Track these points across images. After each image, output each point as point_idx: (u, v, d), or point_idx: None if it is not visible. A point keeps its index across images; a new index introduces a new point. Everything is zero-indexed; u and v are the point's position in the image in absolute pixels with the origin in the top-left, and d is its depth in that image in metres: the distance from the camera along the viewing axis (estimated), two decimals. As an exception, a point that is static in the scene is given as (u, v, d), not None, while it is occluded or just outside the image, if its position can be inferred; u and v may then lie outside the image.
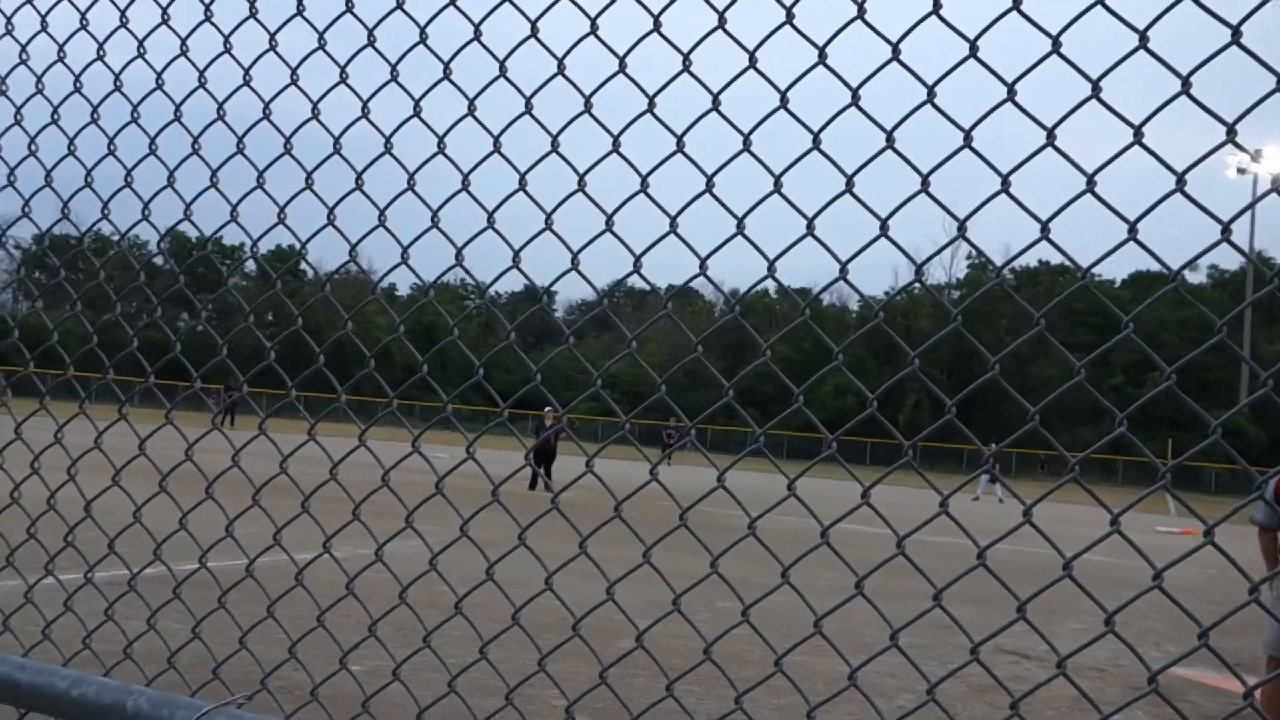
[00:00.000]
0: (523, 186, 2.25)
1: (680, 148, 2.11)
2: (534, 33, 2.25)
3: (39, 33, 2.89)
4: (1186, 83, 1.65)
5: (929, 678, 1.93)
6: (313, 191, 2.49)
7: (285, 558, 2.50)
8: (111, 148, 2.76)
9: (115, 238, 2.84)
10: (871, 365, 63.31)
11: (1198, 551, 1.66)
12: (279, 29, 2.55)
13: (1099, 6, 1.75)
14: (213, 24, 2.62)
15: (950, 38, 1.87)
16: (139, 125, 2.73)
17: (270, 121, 2.56)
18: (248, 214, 2.62)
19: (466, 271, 2.36)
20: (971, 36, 1.85)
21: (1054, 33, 1.77)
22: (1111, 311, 1.82)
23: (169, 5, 2.71)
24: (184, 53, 2.67)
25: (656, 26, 2.13)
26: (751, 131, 2.04)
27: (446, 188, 2.36)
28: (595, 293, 2.39)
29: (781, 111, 2.03)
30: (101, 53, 2.79)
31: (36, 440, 2.84)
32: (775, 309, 73.53)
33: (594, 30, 2.20)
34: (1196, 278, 73.06)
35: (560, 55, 2.22)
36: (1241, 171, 54.70)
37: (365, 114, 2.42)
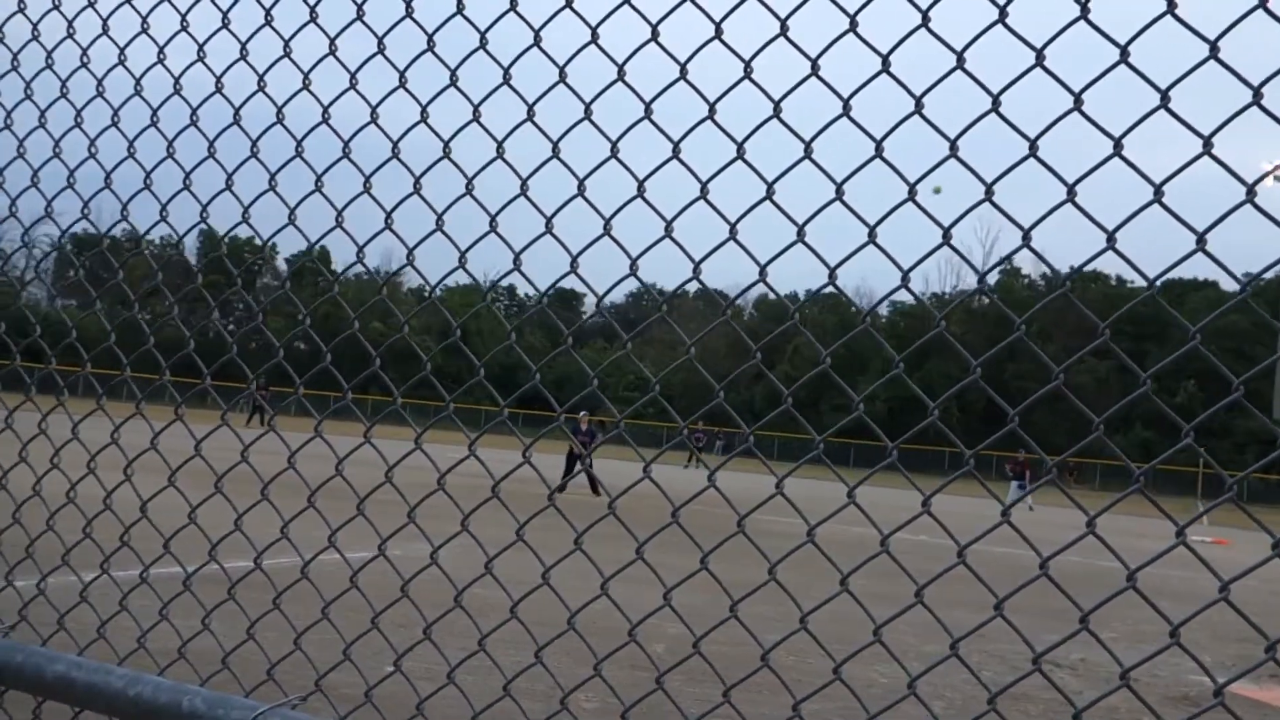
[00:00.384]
0: (524, 191, 2.31)
1: (676, 154, 2.17)
2: (537, 41, 2.31)
3: (65, 39, 2.98)
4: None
5: (913, 680, 1.96)
6: (322, 195, 2.56)
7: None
8: (131, 150, 2.84)
9: (155, 237, 2.91)
10: (903, 369, 62.70)
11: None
12: (293, 35, 2.63)
13: (1082, 20, 1.79)
14: (230, 31, 2.70)
15: (938, 49, 1.91)
16: (158, 129, 2.82)
17: (283, 126, 2.63)
18: (256, 214, 2.68)
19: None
20: (959, 48, 1.89)
21: (1038, 45, 1.81)
22: (1088, 315, 1.86)
23: (187, 12, 2.78)
24: (201, 59, 2.75)
25: (654, 36, 2.18)
26: (745, 139, 2.09)
27: (451, 189, 2.42)
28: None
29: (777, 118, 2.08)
30: (122, 58, 2.88)
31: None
32: (805, 313, 73.38)
33: (595, 39, 2.25)
34: (1228, 284, 72.09)
35: (562, 64, 2.28)
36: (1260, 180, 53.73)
37: (374, 119, 2.49)
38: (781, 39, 2.05)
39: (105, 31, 2.95)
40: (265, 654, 2.60)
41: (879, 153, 1.96)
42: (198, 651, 2.76)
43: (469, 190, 2.38)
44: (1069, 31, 1.83)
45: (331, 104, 2.58)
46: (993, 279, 77.43)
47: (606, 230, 2.21)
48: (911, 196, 1.92)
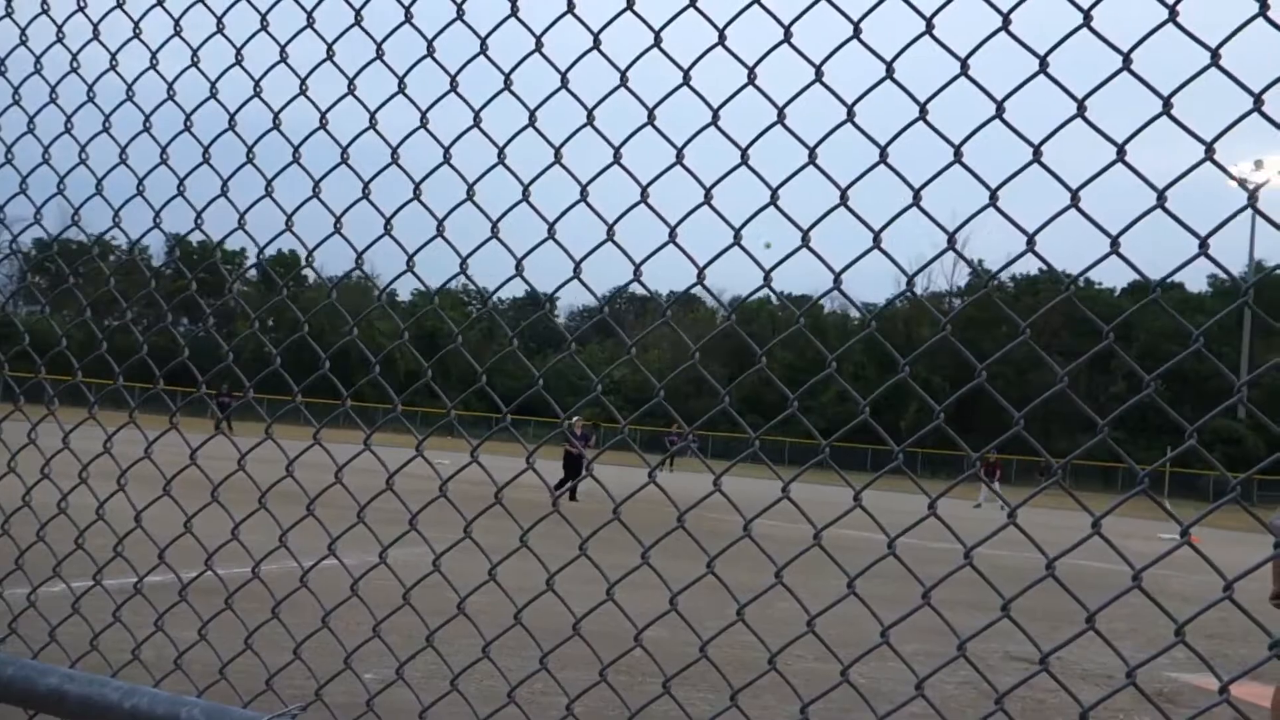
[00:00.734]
0: (526, 198, 2.31)
1: (680, 159, 2.17)
2: (539, 47, 2.31)
3: (54, 43, 2.95)
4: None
5: (921, 681, 1.98)
6: (320, 200, 2.55)
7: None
8: (123, 156, 2.82)
9: (119, 243, 2.89)
10: (872, 373, 63.34)
11: (1192, 556, 1.72)
12: (289, 41, 2.62)
13: (1085, 28, 1.81)
14: (224, 36, 2.68)
15: (942, 56, 1.93)
16: (150, 135, 2.79)
17: (280, 131, 2.62)
18: (253, 220, 2.67)
19: (469, 279, 2.42)
20: (963, 55, 1.91)
21: (1041, 52, 1.83)
22: (1094, 319, 1.88)
23: (181, 17, 2.77)
24: (195, 63, 2.73)
25: (657, 42, 2.19)
26: (750, 145, 2.10)
27: (450, 195, 2.42)
28: (596, 300, 2.45)
29: (779, 125, 2.09)
30: (114, 62, 2.85)
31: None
32: (777, 316, 73.63)
33: (597, 45, 2.26)
34: (1198, 286, 73.10)
35: (564, 69, 2.28)
36: (1244, 183, 54.60)
37: (373, 124, 2.49)
38: (785, 45, 2.06)
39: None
40: (264, 663, 2.58)
41: (884, 158, 1.97)
42: (195, 662, 2.73)
43: (470, 197, 2.38)
44: (1067, 37, 1.86)
45: (328, 110, 2.57)
46: (962, 281, 78.07)
47: (610, 236, 2.22)
48: (916, 202, 1.94)
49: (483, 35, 2.37)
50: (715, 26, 2.13)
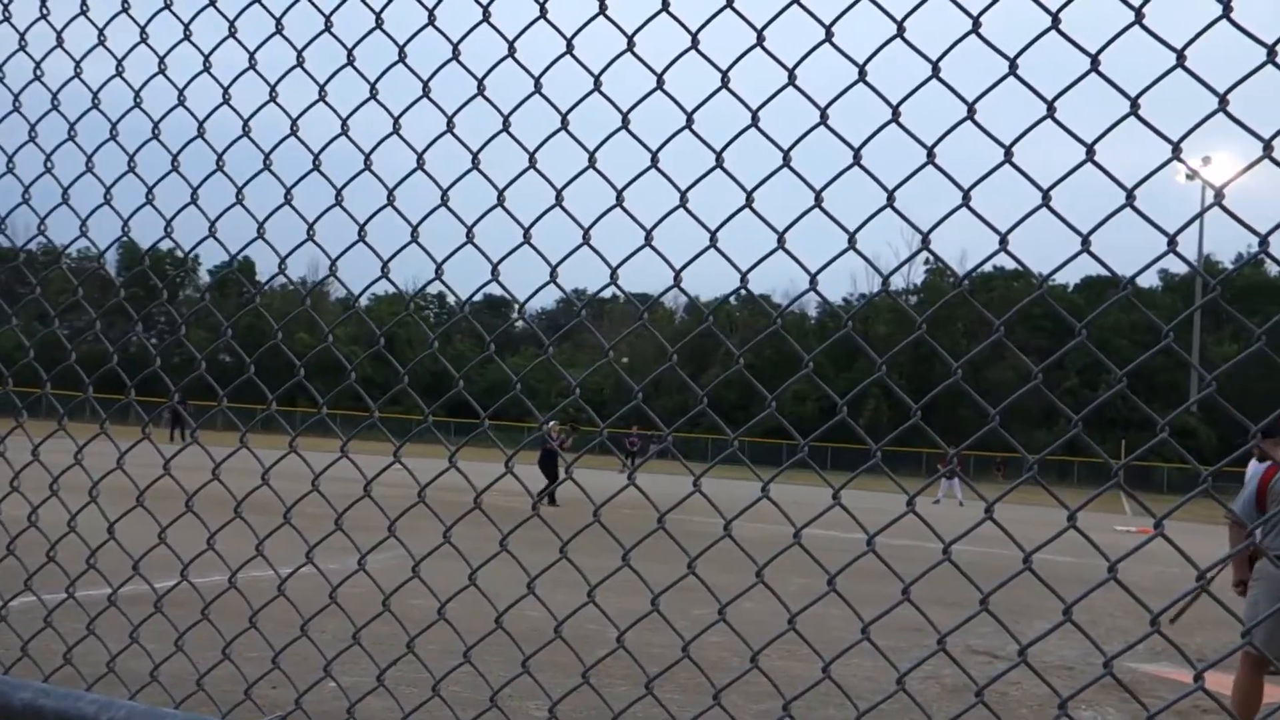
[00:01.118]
0: (501, 202, 2.31)
1: (655, 163, 2.19)
2: (511, 53, 2.32)
3: (16, 52, 2.91)
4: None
5: (902, 676, 2.00)
6: (292, 207, 2.54)
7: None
8: (90, 165, 2.79)
9: (73, 252, 2.87)
10: (830, 371, 63.71)
11: (1146, 547, 1.75)
12: (258, 48, 2.60)
13: (1054, 30, 1.85)
14: (192, 43, 2.66)
15: (914, 59, 1.96)
16: (117, 143, 2.77)
17: (250, 139, 2.61)
18: (201, 228, 2.66)
19: (446, 286, 2.42)
20: (934, 58, 1.94)
21: (1011, 55, 1.87)
22: (1065, 316, 1.91)
23: (147, 24, 2.75)
24: (162, 70, 2.71)
25: (630, 47, 2.20)
26: (724, 149, 2.12)
27: (423, 201, 2.42)
28: (573, 303, 2.46)
29: (753, 128, 2.12)
30: (78, 70, 2.82)
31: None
32: (735, 316, 73.85)
33: (570, 50, 2.27)
34: (1149, 282, 74.26)
35: (537, 75, 2.29)
36: (1190, 178, 55.55)
37: (345, 131, 2.48)
38: (759, 49, 2.08)
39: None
40: (242, 673, 2.56)
41: (857, 160, 2.00)
42: (172, 674, 2.70)
43: (444, 203, 2.38)
44: (1033, 38, 1.89)
45: (299, 117, 2.56)
46: (919, 278, 78.75)
47: (585, 240, 2.23)
48: (891, 204, 1.96)
49: (455, 40, 2.37)
50: (689, 31, 2.14)
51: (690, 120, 2.14)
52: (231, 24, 2.62)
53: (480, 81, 2.34)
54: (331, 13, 2.51)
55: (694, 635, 2.20)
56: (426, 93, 2.39)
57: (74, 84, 2.84)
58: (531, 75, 2.29)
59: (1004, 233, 1.88)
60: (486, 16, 2.35)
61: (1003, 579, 1.94)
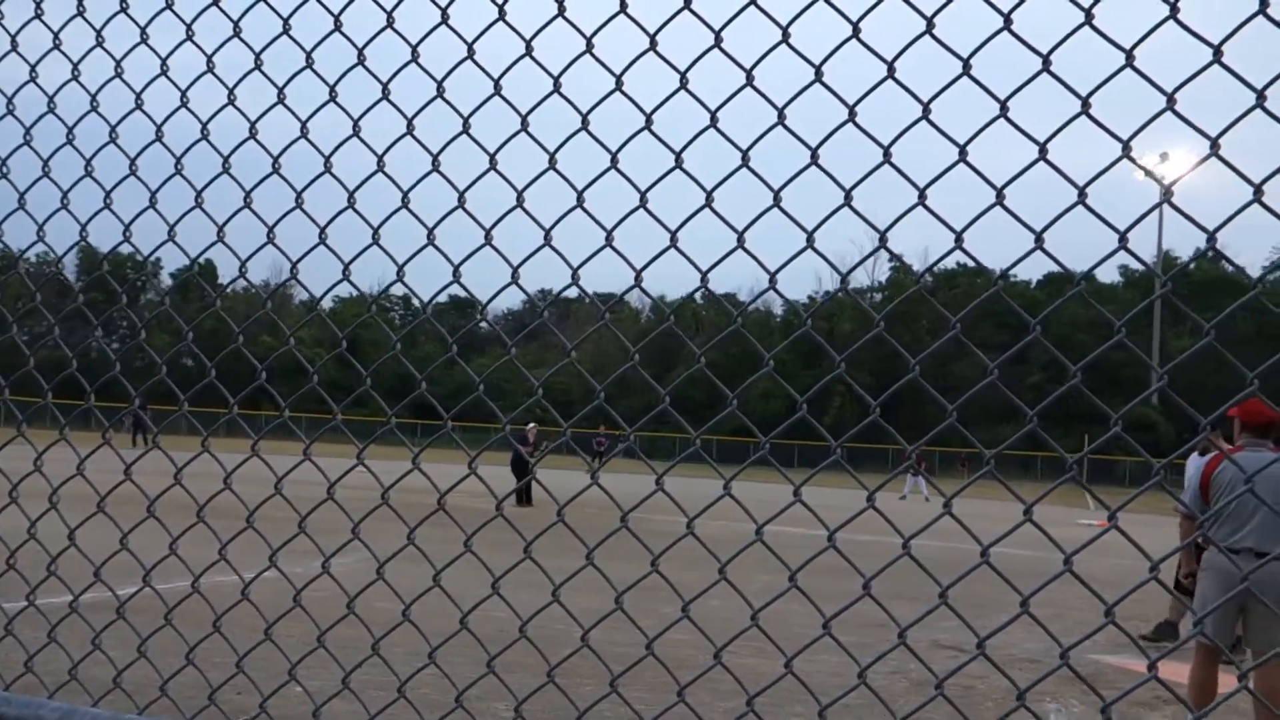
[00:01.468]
0: (462, 204, 2.32)
1: (614, 164, 2.20)
2: (470, 55, 2.32)
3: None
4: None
5: (866, 672, 2.02)
6: (252, 210, 2.53)
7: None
8: (46, 169, 2.77)
9: (32, 255, 2.84)
10: (796, 369, 63.97)
11: (1106, 540, 1.78)
12: (216, 50, 2.59)
13: (1005, 31, 1.88)
14: (149, 46, 2.65)
15: (870, 60, 1.98)
16: (74, 147, 2.75)
17: (209, 142, 2.60)
18: (162, 231, 2.64)
19: (408, 287, 2.42)
20: (889, 59, 1.96)
21: (964, 55, 1.90)
22: (1020, 313, 1.94)
23: (102, 28, 2.73)
24: (119, 74, 2.69)
25: (589, 48, 2.22)
26: (683, 150, 2.14)
27: (385, 204, 2.42)
28: (535, 304, 2.46)
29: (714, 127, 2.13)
30: (34, 74, 2.80)
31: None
32: (700, 315, 74.02)
33: (529, 52, 2.28)
34: (1110, 277, 75.07)
35: (497, 76, 2.29)
36: (1148, 174, 56.16)
37: (304, 134, 2.47)
38: (716, 50, 2.10)
39: (15, 49, 2.87)
40: (206, 679, 2.55)
41: (814, 160, 2.02)
42: (136, 681, 2.69)
43: (405, 204, 2.38)
44: (986, 38, 1.92)
45: (258, 119, 2.55)
46: (882, 276, 79.26)
47: (547, 241, 2.24)
48: (848, 202, 1.99)
49: (413, 43, 2.37)
50: (646, 33, 2.16)
51: (649, 121, 2.16)
52: (189, 27, 2.61)
53: (440, 84, 2.35)
54: (289, 15, 2.51)
55: (657, 634, 2.21)
56: (386, 95, 2.39)
57: (30, 88, 2.81)
58: (491, 77, 2.29)
59: (959, 231, 1.91)
60: (445, 18, 2.35)
61: (966, 571, 1.97)
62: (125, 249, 2.81)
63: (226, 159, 2.57)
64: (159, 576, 2.63)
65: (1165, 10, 1.75)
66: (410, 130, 2.38)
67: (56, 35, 2.77)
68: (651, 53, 2.16)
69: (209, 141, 2.61)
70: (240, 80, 2.53)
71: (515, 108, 2.28)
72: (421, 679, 2.58)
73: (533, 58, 2.28)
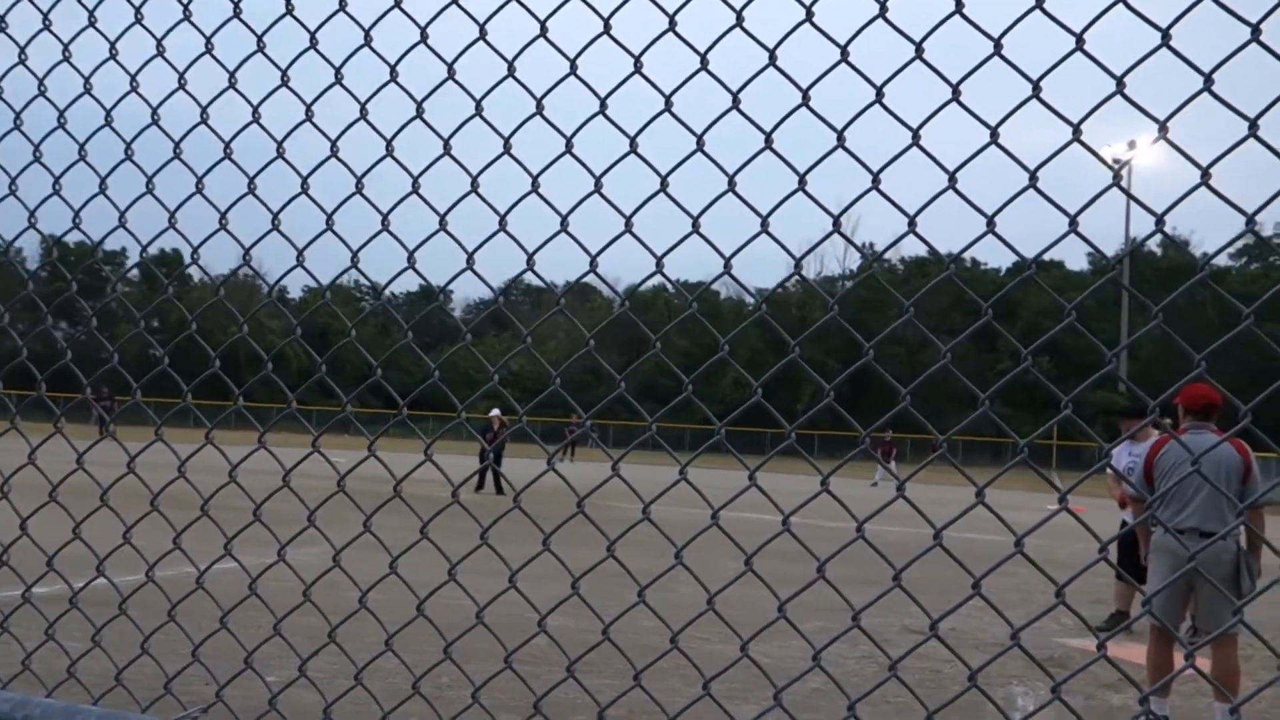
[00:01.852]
0: (416, 189, 2.30)
1: (569, 148, 2.19)
2: (424, 38, 2.30)
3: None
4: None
5: (818, 653, 2.03)
6: (204, 197, 2.50)
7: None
8: (37, 154, 2.72)
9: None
10: (769, 358, 64.14)
11: (1051, 520, 1.79)
12: (165, 34, 2.56)
13: (957, 14, 1.88)
14: (97, 29, 2.61)
15: (824, 45, 1.98)
16: (22, 132, 2.71)
17: (159, 127, 2.56)
18: (133, 219, 2.61)
19: (362, 274, 2.40)
20: (842, 43, 1.96)
21: (917, 39, 1.89)
22: (975, 298, 1.95)
23: (50, 10, 2.68)
24: (67, 58, 2.65)
25: (543, 32, 2.20)
26: (638, 134, 2.13)
27: (339, 190, 2.40)
28: (491, 291, 2.45)
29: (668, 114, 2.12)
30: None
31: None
32: (673, 304, 74.08)
33: (483, 35, 2.26)
34: (1079, 265, 75.68)
35: (450, 60, 2.27)
36: (1117, 161, 56.70)
37: (256, 118, 2.45)
38: (670, 34, 2.09)
39: None
40: (162, 668, 2.53)
41: (769, 144, 2.02)
42: (90, 671, 2.66)
43: (359, 190, 2.36)
44: (941, 23, 1.92)
45: (209, 104, 2.52)
46: (854, 264, 79.66)
47: (502, 227, 2.22)
48: (802, 187, 1.99)
49: (366, 26, 2.35)
50: (601, 17, 2.14)
51: (604, 106, 2.15)
52: (138, 10, 2.57)
53: (393, 68, 2.33)
54: (241, -2, 2.48)
55: (613, 619, 2.21)
56: (339, 79, 2.37)
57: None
58: (445, 61, 2.27)
59: (912, 215, 1.91)
60: (398, 2, 2.33)
61: (930, 560, 1.97)
62: (96, 237, 2.77)
63: (178, 144, 2.53)
64: (115, 567, 2.60)
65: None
66: (364, 115, 2.35)
67: (2, 19, 2.72)
68: (606, 36, 2.15)
69: (159, 127, 2.57)
70: (190, 65, 2.50)
71: (470, 92, 2.26)
72: (391, 668, 2.57)
73: (486, 42, 2.26)
